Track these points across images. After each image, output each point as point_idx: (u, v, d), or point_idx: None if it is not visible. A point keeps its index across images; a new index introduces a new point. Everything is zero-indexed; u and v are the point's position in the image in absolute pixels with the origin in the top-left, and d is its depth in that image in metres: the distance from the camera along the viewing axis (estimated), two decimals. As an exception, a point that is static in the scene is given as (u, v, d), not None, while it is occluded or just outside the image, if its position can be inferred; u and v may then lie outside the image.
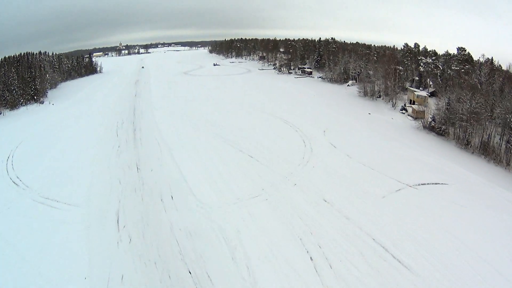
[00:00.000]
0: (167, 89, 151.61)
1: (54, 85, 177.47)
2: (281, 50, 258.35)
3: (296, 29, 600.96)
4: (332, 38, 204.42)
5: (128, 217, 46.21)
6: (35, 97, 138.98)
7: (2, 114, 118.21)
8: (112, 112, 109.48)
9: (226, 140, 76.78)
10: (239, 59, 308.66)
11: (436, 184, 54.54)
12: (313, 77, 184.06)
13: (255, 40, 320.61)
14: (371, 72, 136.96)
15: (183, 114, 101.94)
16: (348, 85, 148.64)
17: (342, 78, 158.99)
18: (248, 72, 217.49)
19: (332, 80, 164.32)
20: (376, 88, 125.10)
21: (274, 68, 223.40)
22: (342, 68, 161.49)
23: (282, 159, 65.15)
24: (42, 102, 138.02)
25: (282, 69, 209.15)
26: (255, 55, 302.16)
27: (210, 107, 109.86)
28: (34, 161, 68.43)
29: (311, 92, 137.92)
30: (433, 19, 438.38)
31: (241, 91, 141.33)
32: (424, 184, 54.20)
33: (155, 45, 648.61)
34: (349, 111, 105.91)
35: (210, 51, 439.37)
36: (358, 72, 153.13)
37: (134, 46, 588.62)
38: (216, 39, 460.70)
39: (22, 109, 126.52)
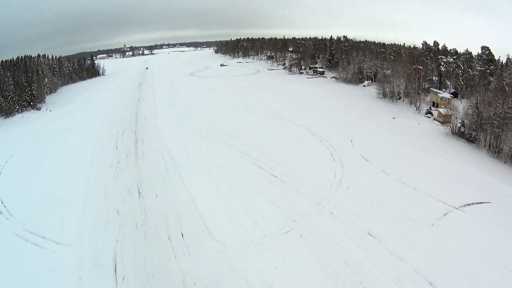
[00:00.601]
0: (172, 93, 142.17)
1: (53, 89, 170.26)
2: (290, 49, 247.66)
3: (299, 28, 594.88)
4: (344, 36, 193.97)
5: (128, 264, 36.27)
6: (31, 103, 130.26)
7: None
8: (113, 120, 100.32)
9: (242, 153, 66.87)
10: (247, 59, 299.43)
11: (480, 203, 47.08)
12: (326, 77, 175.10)
13: (262, 40, 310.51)
14: (388, 72, 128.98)
15: (190, 121, 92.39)
16: (364, 86, 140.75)
17: (357, 78, 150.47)
18: (257, 72, 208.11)
19: (346, 80, 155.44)
20: (396, 89, 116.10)
21: (284, 68, 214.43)
22: (356, 68, 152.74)
23: (311, 178, 55.17)
24: (39, 109, 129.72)
25: (292, 69, 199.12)
26: (262, 55, 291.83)
27: (220, 113, 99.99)
28: (23, 180, 59.69)
29: (327, 94, 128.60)
30: (434, 18, 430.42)
31: (252, 94, 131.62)
32: (469, 204, 46.60)
33: (160, 46, 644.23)
34: (371, 115, 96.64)
35: (216, 51, 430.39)
36: (374, 71, 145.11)
37: (138, 48, 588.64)
38: (220, 39, 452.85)
39: (18, 116, 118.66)
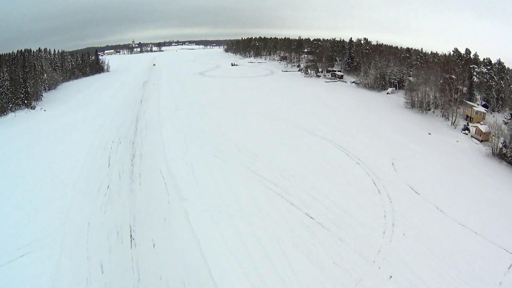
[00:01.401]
0: (179, 94, 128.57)
1: (53, 85, 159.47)
2: (305, 50, 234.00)
3: (310, 29, 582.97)
4: (365, 39, 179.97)
5: None
6: (25, 101, 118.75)
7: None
8: (109, 125, 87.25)
9: (265, 180, 53.15)
10: (258, 59, 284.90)
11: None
12: (345, 81, 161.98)
13: (275, 39, 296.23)
14: (412, 79, 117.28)
15: (199, 131, 78.32)
16: (388, 93, 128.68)
17: (380, 85, 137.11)
18: (271, 74, 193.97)
19: (367, 86, 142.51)
20: (425, 99, 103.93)
21: (299, 70, 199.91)
22: (378, 73, 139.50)
23: (357, 221, 42.20)
24: (33, 108, 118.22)
25: (309, 71, 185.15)
26: (275, 55, 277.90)
27: (236, 122, 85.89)
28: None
29: (351, 102, 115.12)
30: (445, 21, 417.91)
31: (270, 98, 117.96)
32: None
33: (169, 43, 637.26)
34: (404, 129, 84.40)
35: (226, 50, 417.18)
36: (399, 78, 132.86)
37: (147, 44, 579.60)
38: (230, 38, 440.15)
39: (10, 116, 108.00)
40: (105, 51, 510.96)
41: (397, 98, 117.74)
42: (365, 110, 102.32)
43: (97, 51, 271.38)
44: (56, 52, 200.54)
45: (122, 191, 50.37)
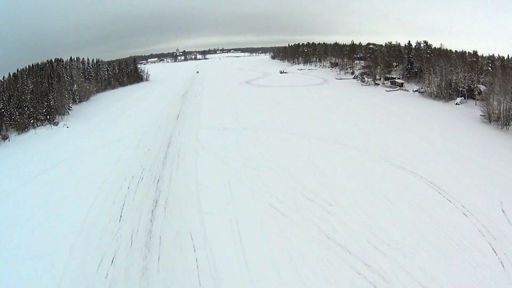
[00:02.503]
0: (224, 108, 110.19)
1: (85, 97, 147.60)
2: (358, 56, 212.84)
3: (357, 34, 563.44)
4: (425, 42, 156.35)
5: None
6: (48, 116, 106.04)
7: (8, 139, 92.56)
8: (134, 152, 70.02)
9: (350, 257, 33.05)
10: (308, 66, 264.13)
11: None
12: (407, 90, 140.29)
13: (324, 45, 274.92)
14: (483, 88, 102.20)
15: (250, 165, 58.29)
16: (456, 104, 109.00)
17: (446, 94, 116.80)
18: (325, 82, 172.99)
19: (432, 96, 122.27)
20: (505, 112, 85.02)
21: (354, 78, 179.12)
22: (444, 81, 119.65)
23: None
24: (56, 124, 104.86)
25: (365, 79, 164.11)
26: (325, 62, 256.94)
27: (297, 151, 64.97)
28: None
29: (423, 116, 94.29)
30: (496, 23, 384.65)
31: (332, 114, 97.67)
32: None
33: (213, 51, 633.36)
34: (497, 154, 63.16)
35: (272, 57, 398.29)
36: (468, 86, 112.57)
37: (191, 52, 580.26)
38: (276, 45, 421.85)
39: (31, 132, 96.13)
40: (148, 60, 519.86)
41: (468, 109, 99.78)
42: (442, 128, 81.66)
43: (135, 59, 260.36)
44: (91, 61, 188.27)
45: (131, 273, 32.03)
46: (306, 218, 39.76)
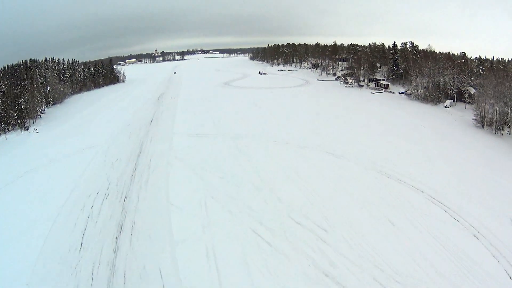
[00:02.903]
0: (201, 111, 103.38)
1: (59, 99, 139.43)
2: (341, 57, 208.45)
3: (341, 36, 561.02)
4: (411, 43, 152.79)
5: None
6: (19, 120, 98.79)
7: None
8: (101, 163, 62.58)
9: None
10: (288, 67, 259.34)
11: None
12: (392, 92, 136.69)
13: (305, 46, 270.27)
14: (473, 91, 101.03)
15: (229, 180, 51.40)
16: (446, 107, 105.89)
17: (435, 96, 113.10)
18: (306, 83, 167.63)
19: (420, 98, 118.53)
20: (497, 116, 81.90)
21: (337, 79, 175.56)
22: (432, 83, 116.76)
23: None
24: (26, 128, 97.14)
25: (349, 80, 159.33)
26: (306, 63, 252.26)
27: (284, 163, 57.87)
28: None
29: (412, 120, 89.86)
30: (477, 22, 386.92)
31: (316, 118, 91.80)
32: None
33: (192, 52, 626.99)
34: (493, 163, 58.87)
35: (251, 58, 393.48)
36: (457, 88, 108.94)
37: (170, 53, 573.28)
38: (255, 47, 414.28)
39: (2, 138, 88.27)
40: (127, 61, 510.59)
41: (459, 113, 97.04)
42: (435, 133, 77.46)
43: (111, 60, 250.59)
44: (67, 62, 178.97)
45: None
46: (297, 248, 33.63)
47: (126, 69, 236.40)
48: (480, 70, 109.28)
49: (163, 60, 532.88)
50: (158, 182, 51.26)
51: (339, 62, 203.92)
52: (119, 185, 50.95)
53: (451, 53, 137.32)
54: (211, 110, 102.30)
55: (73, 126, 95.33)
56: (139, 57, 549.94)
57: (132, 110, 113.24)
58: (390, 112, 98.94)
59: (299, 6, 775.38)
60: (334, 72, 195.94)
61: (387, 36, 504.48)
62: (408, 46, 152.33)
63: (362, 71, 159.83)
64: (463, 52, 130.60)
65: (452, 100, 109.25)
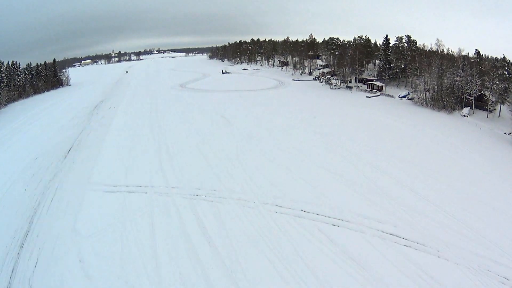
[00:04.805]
0: (143, 129, 71.74)
1: None
2: (315, 53, 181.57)
3: (303, 34, 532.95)
4: (407, 37, 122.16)
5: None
6: None
7: None
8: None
9: None
10: (253, 66, 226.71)
11: None
12: (391, 95, 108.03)
13: (273, 42, 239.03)
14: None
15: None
16: (464, 116, 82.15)
17: (448, 102, 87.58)
18: (282, 85, 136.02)
19: (427, 104, 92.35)
20: None
21: (315, 79, 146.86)
22: (441, 86, 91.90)
23: None
24: None
25: (334, 81, 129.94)
26: (274, 60, 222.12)
27: (263, 231, 31.75)
28: None
29: (432, 134, 65.89)
30: (447, 22, 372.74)
31: (305, 136, 63.54)
32: None
33: (149, 52, 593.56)
34: None
35: (210, 57, 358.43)
36: (475, 94, 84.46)
37: (126, 53, 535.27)
38: (214, 46, 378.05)
39: None
40: (82, 62, 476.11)
41: (482, 123, 74.82)
42: (483, 159, 52.74)
43: (55, 60, 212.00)
44: (6, 64, 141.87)
45: None
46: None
47: (78, 71, 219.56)
48: (506, 73, 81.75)
49: (119, 61, 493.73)
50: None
51: (315, 60, 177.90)
52: None
53: (461, 51, 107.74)
54: (158, 128, 69.96)
55: None
56: (96, 58, 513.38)
57: (54, 129, 78.51)
58: (400, 122, 73.24)
59: (259, 5, 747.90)
60: (310, 71, 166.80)
61: (349, 35, 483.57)
62: (404, 41, 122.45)
63: (345, 70, 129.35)
64: (477, 50, 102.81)
65: (469, 107, 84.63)
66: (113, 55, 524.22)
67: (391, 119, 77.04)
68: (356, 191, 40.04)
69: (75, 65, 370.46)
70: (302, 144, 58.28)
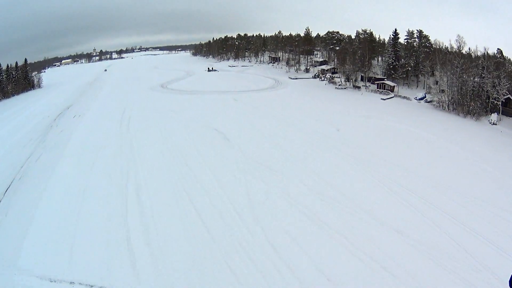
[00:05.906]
0: (108, 150, 53.62)
1: None
2: (312, 49, 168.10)
3: (294, 30, 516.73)
4: (419, 32, 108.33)
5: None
6: None
7: None
8: None
9: None
10: (241, 62, 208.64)
11: None
12: (407, 97, 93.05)
13: (262, 37, 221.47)
14: None
15: None
16: (492, 123, 70.35)
17: (475, 107, 74.55)
18: (278, 84, 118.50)
19: (449, 107, 79.23)
20: None
21: (314, 77, 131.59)
22: (464, 88, 78.56)
23: None
24: None
25: (336, 80, 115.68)
26: (263, 57, 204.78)
27: None
28: None
29: (494, 156, 48.39)
30: (427, 17, 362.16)
31: (357, 169, 43.88)
32: None
33: (131, 50, 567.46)
34: None
35: (194, 54, 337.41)
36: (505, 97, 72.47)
37: (108, 52, 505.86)
38: (198, 43, 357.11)
39: None
40: (62, 61, 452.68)
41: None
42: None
43: (26, 60, 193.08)
44: None
45: None
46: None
47: (56, 71, 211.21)
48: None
49: (100, 59, 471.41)
50: None
51: (311, 57, 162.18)
52: None
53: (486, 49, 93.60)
54: (128, 158, 49.60)
55: None
56: (77, 57, 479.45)
57: (13, 139, 62.69)
58: (454, 142, 54.98)
59: (245, 2, 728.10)
60: (306, 68, 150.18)
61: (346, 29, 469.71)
62: (415, 36, 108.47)
63: (348, 67, 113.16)
64: (499, 49, 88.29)
65: (496, 113, 72.82)
66: (94, 54, 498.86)
67: (424, 130, 60.77)
68: (447, 269, 23.15)
69: (55, 65, 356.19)
70: (344, 182, 38.11)
